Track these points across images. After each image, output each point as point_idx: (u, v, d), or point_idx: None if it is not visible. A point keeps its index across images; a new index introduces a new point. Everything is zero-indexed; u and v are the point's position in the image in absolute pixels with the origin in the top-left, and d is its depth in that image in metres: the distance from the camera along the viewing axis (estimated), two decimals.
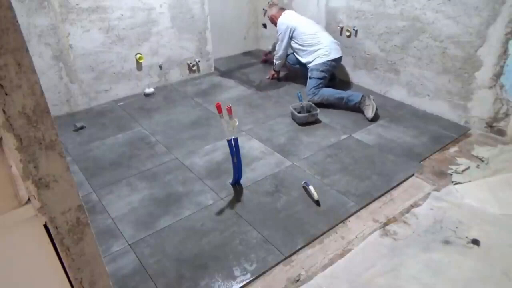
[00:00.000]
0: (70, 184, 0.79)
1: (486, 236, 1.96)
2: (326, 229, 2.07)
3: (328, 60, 3.38)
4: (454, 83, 2.97)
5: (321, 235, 2.03)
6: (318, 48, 3.42)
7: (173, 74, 4.01)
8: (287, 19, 3.60)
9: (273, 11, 3.77)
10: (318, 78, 3.37)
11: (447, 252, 1.89)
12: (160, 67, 3.88)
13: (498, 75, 2.70)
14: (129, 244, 2.01)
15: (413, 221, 2.10)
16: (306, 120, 3.10)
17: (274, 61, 3.82)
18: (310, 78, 3.43)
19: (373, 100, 3.15)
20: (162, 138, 3.00)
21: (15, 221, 0.77)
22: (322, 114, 3.19)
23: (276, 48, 3.74)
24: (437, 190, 2.33)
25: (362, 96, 3.18)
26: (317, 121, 3.13)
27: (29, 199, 0.77)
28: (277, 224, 2.11)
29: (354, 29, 3.53)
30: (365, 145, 2.81)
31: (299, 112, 3.13)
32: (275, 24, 3.73)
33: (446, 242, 1.95)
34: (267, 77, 4.03)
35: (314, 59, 3.43)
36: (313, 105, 3.20)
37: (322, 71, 3.38)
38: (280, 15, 3.67)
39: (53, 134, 0.74)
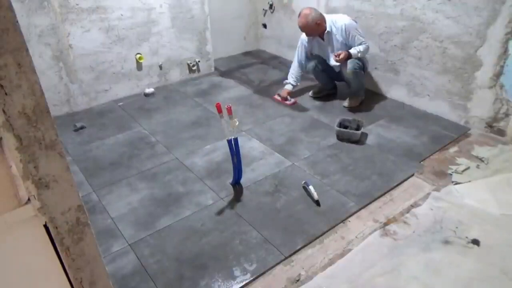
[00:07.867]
0: (70, 184, 0.79)
1: (486, 236, 1.96)
2: (326, 229, 2.07)
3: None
4: (454, 83, 2.97)
5: (321, 235, 2.03)
6: None
7: (173, 74, 4.01)
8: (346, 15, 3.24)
9: (318, 16, 3.11)
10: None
11: (447, 252, 1.89)
12: (160, 67, 3.88)
13: (498, 75, 2.70)
14: (129, 244, 2.01)
15: (413, 221, 2.10)
16: (347, 137, 2.84)
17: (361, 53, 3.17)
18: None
19: None
20: (162, 138, 3.00)
21: (15, 221, 0.77)
22: (322, 114, 3.19)
23: (365, 48, 3.14)
24: (437, 190, 2.33)
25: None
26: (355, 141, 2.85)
27: (29, 199, 0.77)
28: (277, 224, 2.11)
29: None
30: (365, 145, 2.80)
31: (346, 127, 2.87)
32: (318, 31, 3.18)
33: (446, 242, 1.95)
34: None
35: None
36: (361, 121, 2.92)
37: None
38: (324, 18, 3.17)
39: (53, 134, 0.74)
